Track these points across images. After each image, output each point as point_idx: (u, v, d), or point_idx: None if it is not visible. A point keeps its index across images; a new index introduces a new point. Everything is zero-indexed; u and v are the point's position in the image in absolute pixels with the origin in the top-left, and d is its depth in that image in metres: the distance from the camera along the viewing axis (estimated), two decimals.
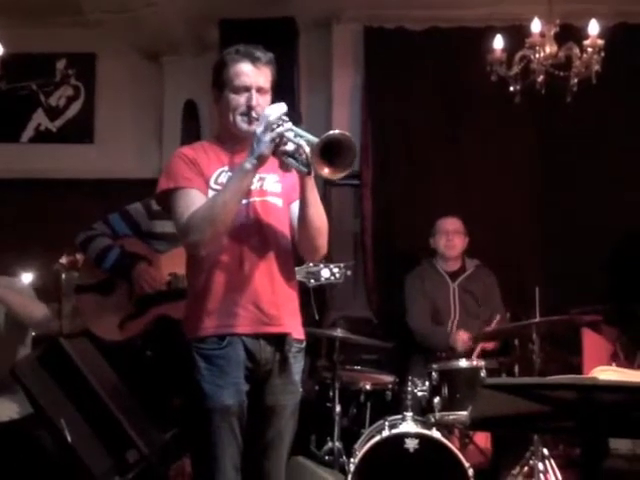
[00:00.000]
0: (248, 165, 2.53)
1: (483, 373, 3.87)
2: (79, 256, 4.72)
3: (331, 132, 2.41)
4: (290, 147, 2.50)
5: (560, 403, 2.05)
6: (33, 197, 5.56)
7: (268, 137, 2.49)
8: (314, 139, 2.41)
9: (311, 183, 2.59)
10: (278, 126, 2.50)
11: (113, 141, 5.76)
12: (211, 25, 5.23)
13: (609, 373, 2.57)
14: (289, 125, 2.51)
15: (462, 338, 4.36)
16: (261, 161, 2.53)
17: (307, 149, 2.44)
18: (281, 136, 2.50)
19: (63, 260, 5.09)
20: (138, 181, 5.33)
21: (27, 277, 5.27)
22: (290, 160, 2.51)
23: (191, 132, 5.35)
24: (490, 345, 4.38)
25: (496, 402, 2.09)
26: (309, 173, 2.49)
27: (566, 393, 2.04)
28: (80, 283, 3.90)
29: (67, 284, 5.01)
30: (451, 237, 4.63)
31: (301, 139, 2.47)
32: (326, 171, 2.41)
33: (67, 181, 5.61)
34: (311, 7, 5.26)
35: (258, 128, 2.53)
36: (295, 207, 2.71)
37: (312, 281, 3.70)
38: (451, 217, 4.70)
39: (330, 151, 2.39)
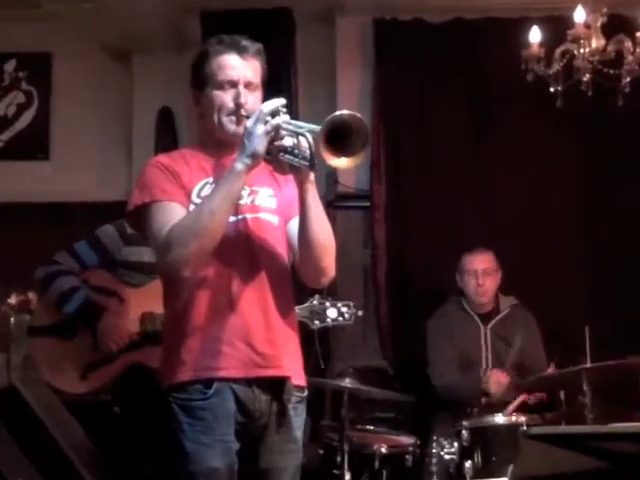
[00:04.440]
0: (239, 165, 2.55)
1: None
2: (32, 295, 4.72)
3: (336, 113, 2.45)
4: (288, 142, 2.53)
5: (621, 457, 2.03)
6: None
7: (262, 130, 2.51)
8: (316, 127, 2.44)
9: (313, 192, 2.61)
10: (273, 117, 2.52)
11: (73, 157, 5.80)
12: (191, 18, 5.29)
13: None
14: (286, 116, 2.54)
15: (497, 379, 4.36)
16: (255, 159, 2.55)
17: (310, 138, 2.46)
18: (277, 129, 2.52)
19: (12, 300, 5.09)
20: (103, 204, 5.35)
21: None
22: (288, 157, 2.53)
23: (166, 145, 5.37)
24: (533, 397, 4.35)
25: (543, 457, 2.08)
26: (312, 166, 2.51)
27: (628, 445, 2.02)
28: (34, 324, 3.89)
29: (17, 329, 5.00)
30: (482, 280, 4.62)
31: (301, 129, 2.50)
32: (336, 161, 2.43)
33: (17, 205, 5.62)
34: None
35: (250, 121, 2.56)
36: (294, 225, 2.72)
37: (316, 322, 3.72)
38: (481, 252, 4.69)
39: (337, 137, 2.42)
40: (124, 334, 3.67)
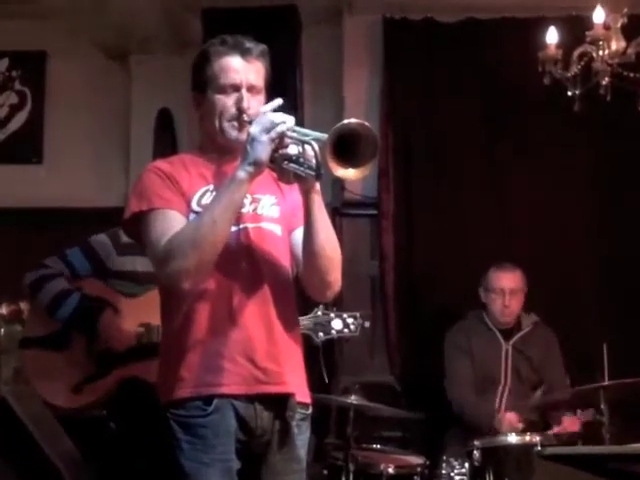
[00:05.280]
0: (242, 173, 2.55)
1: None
2: (23, 304, 4.74)
3: (344, 121, 2.45)
4: (293, 150, 2.54)
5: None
6: None
7: (266, 137, 2.52)
8: (322, 135, 2.45)
9: (319, 202, 2.62)
10: (278, 124, 2.52)
11: (67, 161, 5.80)
12: (191, 16, 5.31)
13: None
14: (291, 123, 2.55)
15: (510, 420, 4.35)
16: (258, 168, 2.55)
17: (316, 147, 2.47)
18: (281, 136, 2.53)
19: (3, 310, 5.10)
20: (99, 210, 5.36)
21: None
22: (292, 165, 2.54)
23: (165, 149, 5.39)
24: (576, 424, 4.30)
25: (558, 479, 2.08)
26: (319, 177, 2.51)
27: None
28: (26, 335, 3.90)
29: (7, 340, 5.02)
30: (509, 301, 4.63)
31: (307, 137, 2.51)
32: (343, 171, 2.44)
33: (9, 210, 5.62)
34: None
35: (253, 127, 2.56)
36: (298, 235, 2.73)
37: (321, 334, 3.72)
38: (508, 270, 4.69)
39: (344, 146, 2.43)
40: (127, 333, 3.67)
